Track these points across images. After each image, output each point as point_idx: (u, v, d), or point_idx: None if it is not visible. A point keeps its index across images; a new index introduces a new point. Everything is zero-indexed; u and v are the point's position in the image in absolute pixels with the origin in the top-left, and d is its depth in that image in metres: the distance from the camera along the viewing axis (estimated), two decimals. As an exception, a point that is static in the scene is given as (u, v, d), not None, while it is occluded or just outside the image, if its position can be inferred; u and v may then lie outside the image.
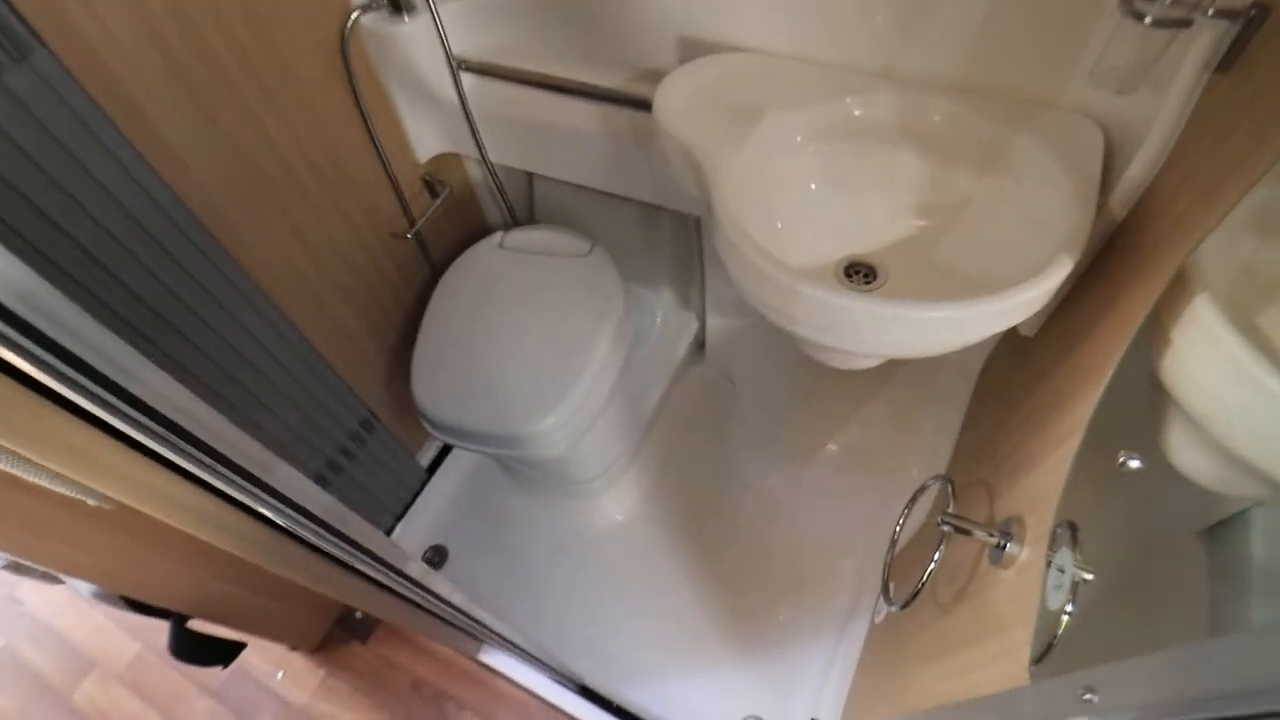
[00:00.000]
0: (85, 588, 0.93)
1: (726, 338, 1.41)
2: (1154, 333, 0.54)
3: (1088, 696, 0.34)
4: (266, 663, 1.40)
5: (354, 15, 0.92)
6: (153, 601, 0.99)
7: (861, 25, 0.75)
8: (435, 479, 1.50)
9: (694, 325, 1.43)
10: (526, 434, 1.00)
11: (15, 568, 0.87)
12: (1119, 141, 0.69)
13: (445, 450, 1.53)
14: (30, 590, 1.52)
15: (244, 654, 1.40)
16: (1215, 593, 0.51)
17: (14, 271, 0.33)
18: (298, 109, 0.93)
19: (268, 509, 0.54)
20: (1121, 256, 0.67)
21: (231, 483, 0.50)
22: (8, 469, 0.52)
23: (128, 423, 0.42)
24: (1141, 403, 0.56)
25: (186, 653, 1.06)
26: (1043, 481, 0.62)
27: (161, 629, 1.06)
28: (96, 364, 0.38)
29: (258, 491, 0.52)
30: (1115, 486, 0.61)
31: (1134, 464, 0.53)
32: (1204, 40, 0.57)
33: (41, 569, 0.84)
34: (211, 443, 0.47)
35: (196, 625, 1.10)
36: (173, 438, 0.45)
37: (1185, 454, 0.54)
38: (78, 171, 0.70)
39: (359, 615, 1.43)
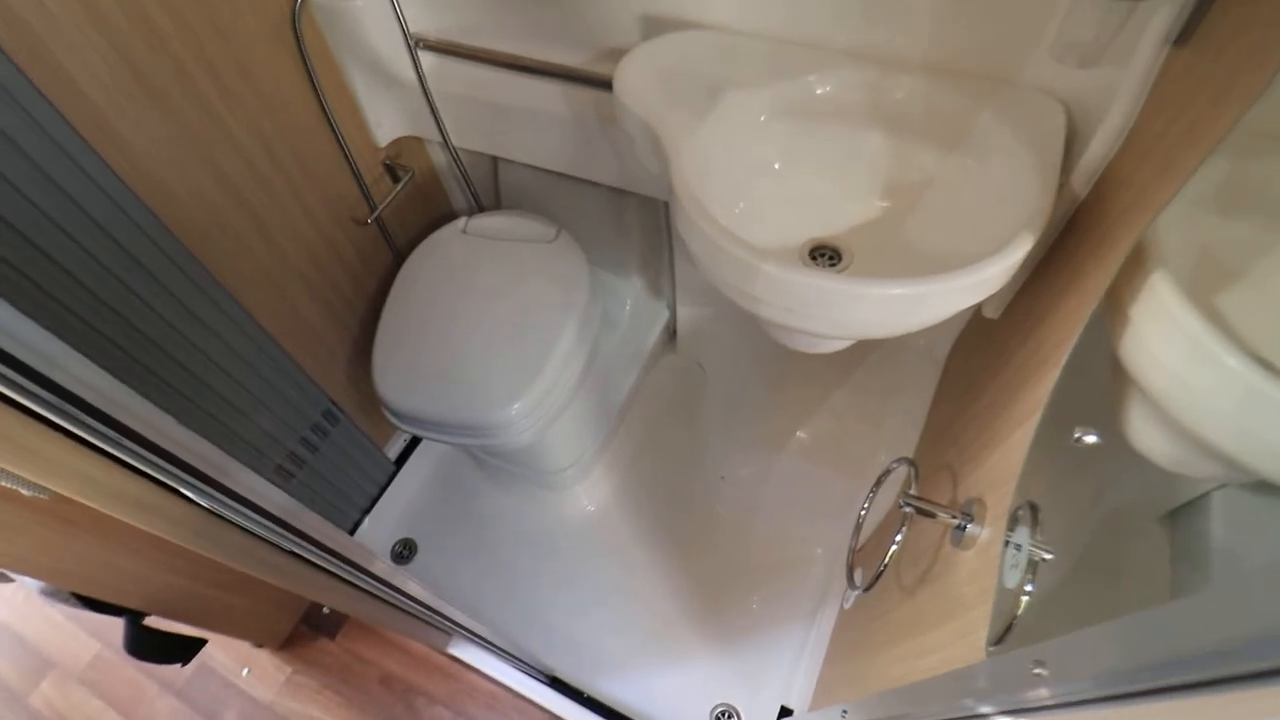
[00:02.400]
0: (36, 585, 0.90)
1: (697, 327, 1.40)
2: (1112, 312, 0.54)
3: (1038, 670, 0.34)
4: (231, 660, 1.37)
5: (304, -11, 0.89)
6: (104, 598, 0.96)
7: (824, 2, 0.74)
8: (404, 471, 1.47)
9: (665, 314, 1.42)
10: (491, 422, 0.98)
11: None
12: (1081, 119, 0.69)
13: (414, 442, 1.51)
14: (-15, 592, 1.48)
15: (208, 651, 1.37)
16: (1176, 574, 0.51)
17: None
18: (249, 91, 0.90)
19: (224, 509, 0.51)
20: (1082, 235, 0.67)
21: (184, 483, 0.47)
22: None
23: (65, 418, 0.40)
24: (1101, 383, 0.56)
25: (143, 650, 1.03)
26: (1003, 463, 0.61)
27: (121, 627, 1.03)
28: (33, 362, 0.36)
29: (212, 492, 0.49)
30: (1077, 468, 0.60)
31: (1090, 439, 0.52)
32: (1163, 13, 0.56)
33: (-15, 567, 0.80)
34: (161, 443, 0.45)
35: (156, 622, 1.06)
36: (119, 437, 0.42)
37: (1144, 435, 0.54)
38: (21, 162, 0.67)
39: (326, 611, 1.40)
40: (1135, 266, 0.52)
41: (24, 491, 0.62)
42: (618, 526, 1.35)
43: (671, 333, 1.46)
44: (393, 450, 1.49)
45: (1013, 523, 0.54)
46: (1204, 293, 0.46)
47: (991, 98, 0.70)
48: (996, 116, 0.69)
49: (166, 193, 0.84)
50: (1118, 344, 0.53)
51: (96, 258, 0.76)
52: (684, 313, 1.37)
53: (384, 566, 0.76)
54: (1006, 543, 0.52)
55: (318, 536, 0.62)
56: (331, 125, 1.02)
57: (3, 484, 0.63)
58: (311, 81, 0.97)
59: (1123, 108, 0.63)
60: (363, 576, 0.73)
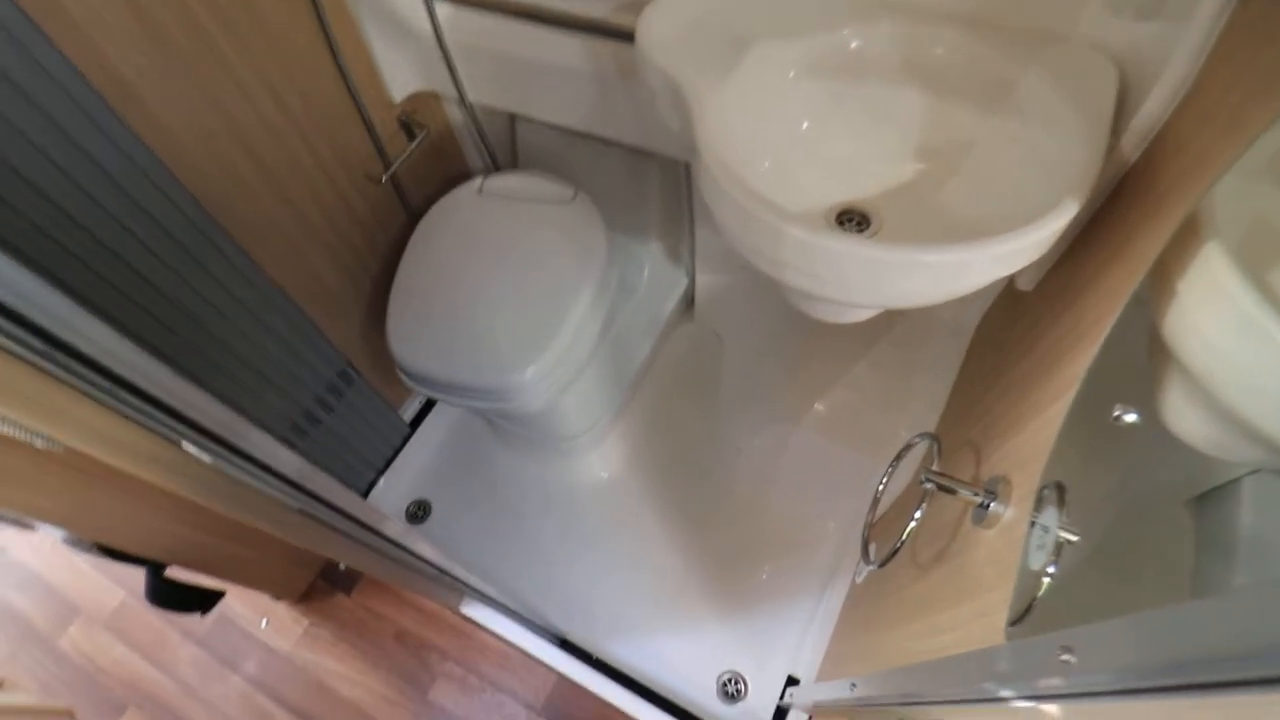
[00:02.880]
0: (60, 534, 0.91)
1: (716, 295, 1.37)
2: (1158, 284, 0.50)
3: (1065, 657, 0.32)
4: (251, 611, 1.40)
5: (317, -68, 0.86)
6: (124, 548, 0.98)
7: (861, -53, 0.70)
8: (419, 433, 1.48)
9: (683, 281, 1.39)
10: (505, 386, 0.97)
11: None
12: (1134, 77, 0.64)
13: (429, 404, 1.51)
14: (11, 538, 1.52)
15: (228, 602, 1.40)
16: (1200, 561, 0.48)
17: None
18: (260, 39, 0.87)
19: (236, 470, 0.51)
20: (1130, 203, 0.63)
21: (195, 443, 0.47)
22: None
23: (76, 378, 0.39)
24: (1138, 363, 0.53)
25: (163, 599, 1.05)
26: (1032, 441, 0.59)
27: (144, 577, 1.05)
28: (43, 321, 0.35)
29: (223, 453, 0.49)
30: (1106, 449, 0.58)
31: (1130, 418, 0.50)
32: (1235, -41, 0.52)
33: (4, 513, 0.82)
34: (176, 406, 0.44)
35: (176, 573, 1.09)
36: (130, 397, 0.41)
37: (1182, 416, 0.51)
38: (33, 113, 0.65)
39: (343, 567, 1.42)
40: (1186, 237, 0.48)
41: (38, 443, 0.62)
42: (631, 493, 1.35)
43: (689, 300, 1.43)
44: (408, 412, 1.49)
45: (1038, 502, 0.52)
46: (1256, 267, 0.43)
47: (1038, 54, 0.66)
48: (1043, 75, 0.65)
49: (175, 141, 0.83)
50: (1162, 319, 0.50)
51: (103, 205, 0.75)
52: (703, 280, 1.34)
53: (396, 528, 0.76)
54: (1033, 523, 0.50)
55: (329, 498, 0.62)
56: (346, 79, 1.00)
57: (16, 435, 0.63)
58: (325, 33, 0.94)
59: (1182, 64, 0.58)
60: (375, 538, 0.73)
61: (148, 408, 0.44)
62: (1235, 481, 0.51)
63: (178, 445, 0.50)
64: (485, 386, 0.97)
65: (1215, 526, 0.50)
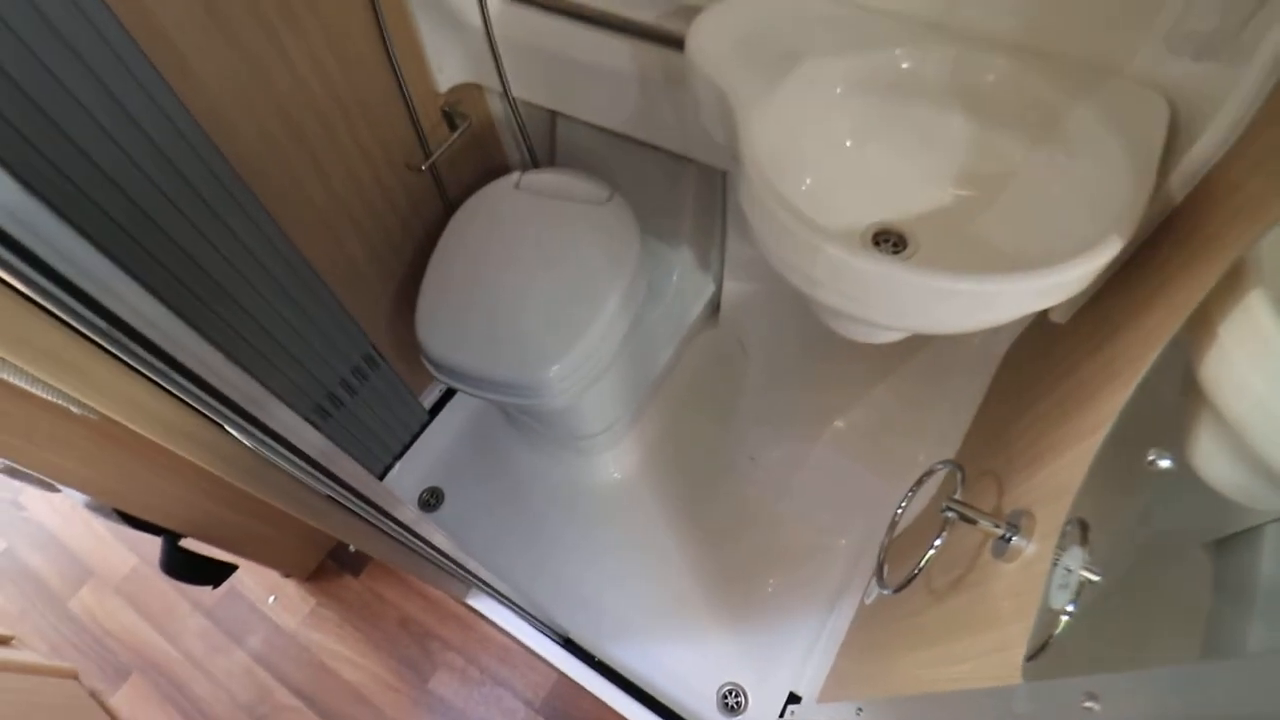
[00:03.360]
0: (81, 498, 0.93)
1: (742, 303, 1.37)
2: (1199, 329, 0.50)
3: (1089, 704, 0.32)
4: (260, 586, 1.42)
5: (378, -75, 0.87)
6: (144, 516, 1.00)
7: (917, -31, 0.69)
8: (437, 421, 1.49)
9: (710, 288, 1.39)
10: (529, 382, 0.97)
11: (10, 471, 0.87)
12: (1186, 117, 0.63)
13: (449, 393, 1.52)
14: (32, 497, 1.55)
15: (238, 577, 1.42)
16: (1217, 606, 0.48)
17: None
18: (314, 22, 0.89)
19: (259, 445, 0.52)
20: (1173, 243, 0.62)
21: (222, 416, 0.47)
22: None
23: (121, 350, 0.40)
24: (1170, 406, 0.53)
25: (176, 569, 1.07)
26: (1059, 476, 0.58)
27: (158, 546, 1.07)
28: (95, 292, 0.36)
29: (250, 428, 0.50)
30: (1132, 489, 0.57)
31: (1164, 464, 0.49)
32: (1300, 6, 0.51)
33: (32, 474, 0.84)
34: (205, 376, 0.45)
35: (191, 545, 1.10)
36: (165, 368, 0.42)
37: (1214, 462, 0.50)
38: (85, 76, 0.67)
39: (352, 549, 1.44)
40: (1230, 282, 0.48)
41: (73, 409, 0.64)
42: (643, 497, 1.35)
43: (715, 307, 1.43)
44: (428, 399, 1.51)
45: (1062, 540, 0.51)
46: None
47: (1090, 89, 0.65)
48: (1094, 109, 0.64)
49: (213, 103, 0.84)
50: (1199, 363, 0.49)
51: (132, 157, 0.75)
52: (730, 288, 1.34)
53: (410, 514, 0.76)
54: (1056, 561, 0.49)
55: (348, 479, 0.62)
56: (394, 66, 1.01)
57: (53, 400, 0.65)
58: (377, 19, 0.95)
59: (1236, 108, 0.57)
60: (388, 522, 0.73)
61: (184, 381, 0.44)
62: (1258, 529, 0.50)
63: (211, 422, 0.51)
64: (509, 381, 0.98)
65: (1234, 572, 0.49)
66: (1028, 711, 0.38)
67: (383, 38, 0.98)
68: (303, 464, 0.56)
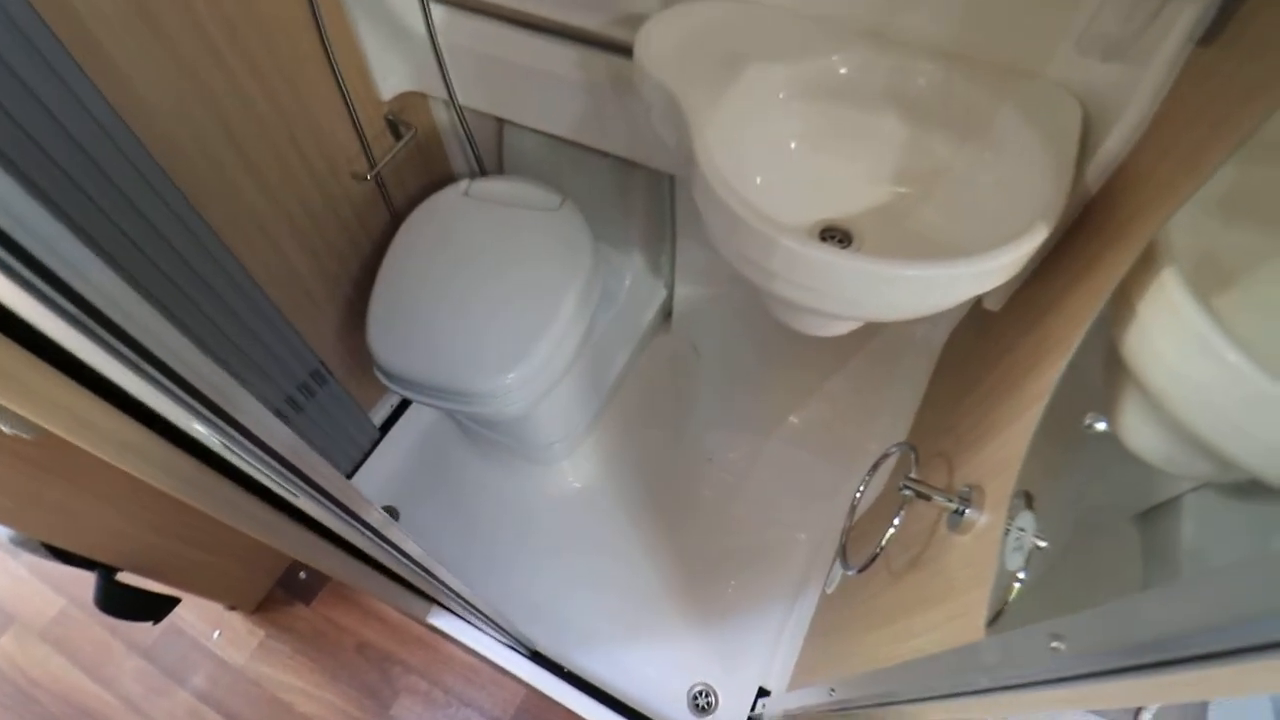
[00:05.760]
0: (4, 533, 0.87)
1: (694, 307, 1.40)
2: (1119, 306, 0.54)
3: (1055, 644, 0.34)
4: (203, 621, 1.34)
5: (316, -73, 0.86)
6: (75, 549, 0.93)
7: (850, -21, 0.73)
8: (389, 438, 1.45)
9: (662, 293, 1.41)
10: (485, 390, 0.96)
11: None
12: (1098, 115, 0.69)
13: (401, 408, 1.49)
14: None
15: (178, 612, 1.34)
16: (1147, 574, 0.52)
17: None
18: (252, 26, 0.86)
19: (221, 436, 0.49)
20: (1092, 230, 0.68)
21: (185, 405, 0.45)
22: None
23: (73, 324, 0.36)
24: (1098, 382, 0.57)
25: (114, 606, 1.00)
26: (1004, 450, 0.62)
27: (88, 582, 1.00)
28: (43, 256, 0.33)
29: (215, 420, 0.47)
30: (1068, 457, 0.62)
31: (1100, 426, 0.53)
32: (1189, 11, 0.57)
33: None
34: (171, 363, 0.42)
35: (127, 578, 1.04)
36: (131, 353, 0.39)
37: (1138, 432, 0.55)
38: (8, 77, 0.63)
39: (303, 575, 1.38)
40: (1144, 263, 0.52)
41: (3, 429, 0.59)
42: (602, 504, 1.35)
43: (667, 312, 1.45)
44: (378, 415, 1.47)
45: (1012, 508, 0.55)
46: (1205, 294, 0.47)
47: (1010, 90, 0.70)
48: (1015, 109, 0.69)
49: (146, 108, 0.80)
50: (1121, 339, 0.53)
51: (54, 159, 0.71)
52: (682, 292, 1.37)
53: (378, 516, 0.74)
54: (1008, 529, 0.53)
55: (317, 478, 0.60)
56: (335, 73, 0.99)
57: (-20, 420, 0.60)
58: (317, 24, 0.93)
59: (1141, 104, 0.63)
60: (356, 526, 0.71)
61: (149, 368, 0.42)
62: (1176, 499, 0.55)
63: (161, 433, 0.48)
64: (465, 389, 0.97)
65: (1160, 539, 0.53)
66: (997, 661, 0.40)
67: (324, 45, 0.96)
68: (270, 461, 0.53)
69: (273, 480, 0.54)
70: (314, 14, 0.92)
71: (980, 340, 0.94)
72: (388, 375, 1.01)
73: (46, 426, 0.48)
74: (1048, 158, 0.66)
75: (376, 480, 1.41)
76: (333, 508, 0.61)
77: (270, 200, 1.00)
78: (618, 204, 1.20)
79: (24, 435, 0.59)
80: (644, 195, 1.17)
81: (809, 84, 0.76)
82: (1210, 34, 0.57)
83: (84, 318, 0.37)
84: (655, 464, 1.38)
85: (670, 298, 1.41)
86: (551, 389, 1.07)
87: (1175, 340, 0.49)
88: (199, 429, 0.48)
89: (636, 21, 0.83)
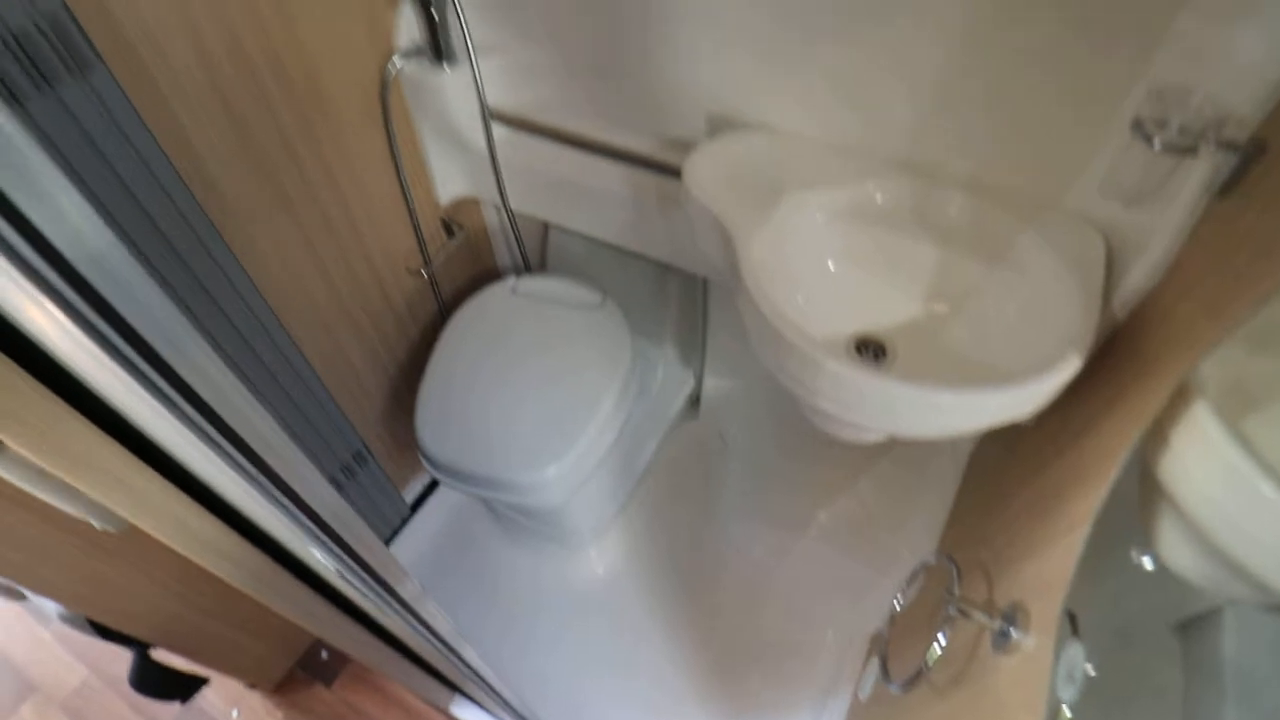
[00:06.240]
0: (55, 609, 0.89)
1: (723, 397, 1.43)
2: (1153, 433, 0.57)
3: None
4: (222, 700, 1.33)
5: (398, 62, 0.95)
6: (118, 626, 0.95)
7: (881, 118, 0.80)
8: (418, 516, 1.47)
9: (691, 382, 1.45)
10: (527, 483, 0.99)
11: None
12: (1120, 249, 0.74)
13: (431, 487, 1.51)
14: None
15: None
16: (1188, 686, 0.52)
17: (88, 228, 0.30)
18: (330, 137, 0.95)
19: (275, 499, 0.50)
20: (1122, 357, 0.71)
21: (241, 469, 0.46)
22: (25, 486, 0.51)
23: (165, 403, 0.39)
24: (1134, 504, 0.59)
25: (148, 685, 1.01)
26: (1047, 570, 0.63)
27: (112, 655, 1.01)
28: (150, 337, 0.36)
29: (264, 480, 0.48)
30: (1104, 577, 0.62)
31: (1146, 560, 0.55)
32: (1206, 166, 0.62)
33: (11, 584, 0.80)
34: (231, 422, 0.44)
35: (156, 655, 1.05)
36: (229, 446, 0.42)
37: (1177, 552, 0.57)
38: (114, 183, 0.71)
39: (325, 655, 1.37)
40: (1175, 394, 0.55)
41: (95, 524, 0.63)
42: (627, 593, 1.35)
43: (695, 399, 1.48)
44: (410, 494, 1.49)
45: (1060, 633, 0.55)
46: (1235, 419, 0.50)
47: (1037, 220, 0.75)
48: (1042, 239, 0.74)
49: (235, 218, 0.87)
50: (1156, 464, 0.56)
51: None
52: (711, 383, 1.40)
53: (413, 588, 0.74)
54: (1057, 655, 0.53)
55: (357, 545, 0.61)
56: (400, 179, 1.08)
57: (72, 512, 0.64)
58: (389, 138, 1.02)
59: (1162, 246, 0.67)
60: (388, 600, 0.71)
61: (227, 444, 0.44)
62: (1217, 610, 0.56)
63: (239, 525, 0.51)
64: (507, 481, 1.00)
65: (1201, 653, 0.54)
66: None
67: (392, 153, 1.05)
68: (316, 529, 0.54)
69: (322, 550, 0.56)
70: (387, 129, 1.01)
71: (1010, 450, 0.95)
72: (433, 463, 1.04)
73: (149, 530, 0.51)
74: (1075, 287, 0.70)
75: (405, 557, 1.41)
76: (369, 581, 0.62)
77: (330, 289, 1.07)
78: (654, 300, 1.26)
79: (111, 530, 0.63)
80: (679, 293, 1.23)
81: (845, 209, 0.81)
82: (1228, 186, 0.61)
83: (197, 417, 0.41)
84: (681, 553, 1.38)
85: (698, 386, 1.44)
86: (587, 481, 1.09)
87: (1209, 470, 0.51)
88: (280, 526, 0.50)
89: (680, 144, 0.91)
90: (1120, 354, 0.72)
